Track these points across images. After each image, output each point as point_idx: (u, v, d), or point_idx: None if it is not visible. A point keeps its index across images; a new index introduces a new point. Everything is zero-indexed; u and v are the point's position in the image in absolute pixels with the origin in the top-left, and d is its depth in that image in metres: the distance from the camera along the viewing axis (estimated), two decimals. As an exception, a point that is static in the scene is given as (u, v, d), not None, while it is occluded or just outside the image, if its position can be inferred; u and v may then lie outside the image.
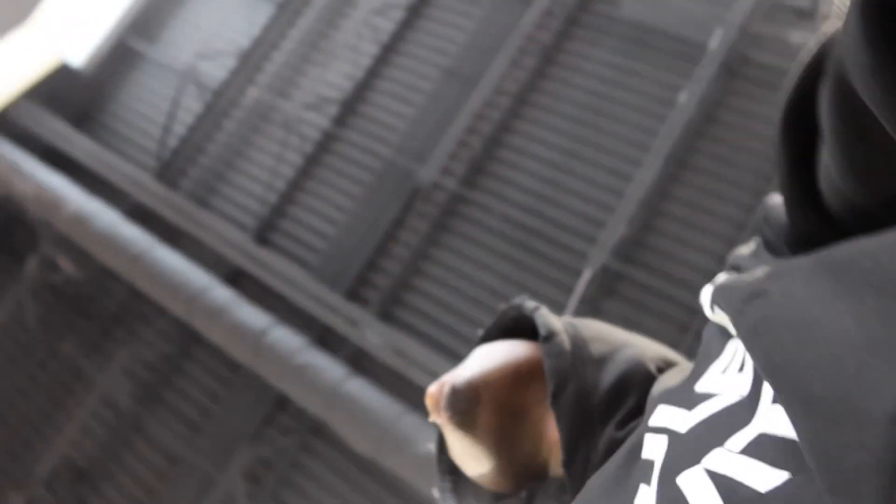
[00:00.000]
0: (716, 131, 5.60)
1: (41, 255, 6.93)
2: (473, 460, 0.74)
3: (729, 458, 0.38)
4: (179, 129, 7.20)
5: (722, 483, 0.36)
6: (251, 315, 5.69)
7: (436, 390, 0.76)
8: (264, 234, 6.42)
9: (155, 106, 7.48)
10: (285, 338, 5.57)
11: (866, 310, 0.27)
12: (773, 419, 0.35)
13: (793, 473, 0.32)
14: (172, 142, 7.15)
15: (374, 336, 5.62)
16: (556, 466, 0.72)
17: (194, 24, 7.82)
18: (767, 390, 0.38)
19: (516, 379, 0.75)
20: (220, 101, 7.22)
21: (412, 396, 5.37)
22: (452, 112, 6.29)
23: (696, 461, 0.40)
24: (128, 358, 6.41)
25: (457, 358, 4.75)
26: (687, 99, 5.59)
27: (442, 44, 6.69)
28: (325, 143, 6.65)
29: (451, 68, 6.52)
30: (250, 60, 7.31)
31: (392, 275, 5.91)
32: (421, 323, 5.71)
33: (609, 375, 0.70)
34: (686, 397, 0.50)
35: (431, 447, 0.84)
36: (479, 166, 6.05)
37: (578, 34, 6.24)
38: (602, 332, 0.77)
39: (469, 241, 5.85)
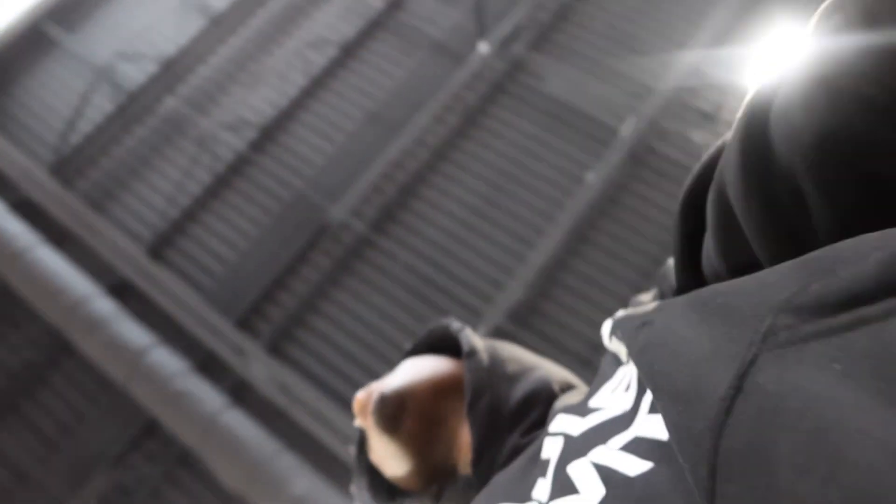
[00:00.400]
0: (616, 212, 5.92)
1: None
2: (394, 461, 0.82)
3: (609, 453, 0.46)
4: (85, 126, 6.88)
5: (602, 470, 0.45)
6: (132, 332, 5.44)
7: (364, 396, 0.84)
8: (159, 249, 6.18)
9: (63, 98, 7.12)
10: (166, 360, 5.35)
11: (715, 332, 0.37)
12: (647, 426, 0.44)
13: (655, 463, 0.40)
14: (75, 138, 6.82)
15: (259, 369, 5.49)
16: (464, 467, 0.79)
17: (119, 21, 7.56)
18: (645, 404, 0.46)
19: (439, 391, 0.84)
20: (133, 105, 6.98)
21: (292, 435, 5.26)
22: (371, 156, 6.35)
23: (583, 455, 0.49)
24: (-13, 361, 5.95)
25: (342, 401, 4.70)
26: (594, 178, 5.90)
27: (370, 87, 6.78)
28: (238, 166, 6.54)
29: (375, 112, 6.61)
30: (173, 69, 7.13)
31: (287, 309, 5.82)
32: (310, 362, 5.63)
33: (519, 391, 0.79)
34: (581, 409, 0.58)
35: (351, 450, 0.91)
36: (390, 213, 6.11)
37: (502, 101, 6.49)
38: (516, 355, 0.88)
39: (369, 285, 5.86)
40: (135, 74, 7.09)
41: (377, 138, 6.44)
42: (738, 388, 0.32)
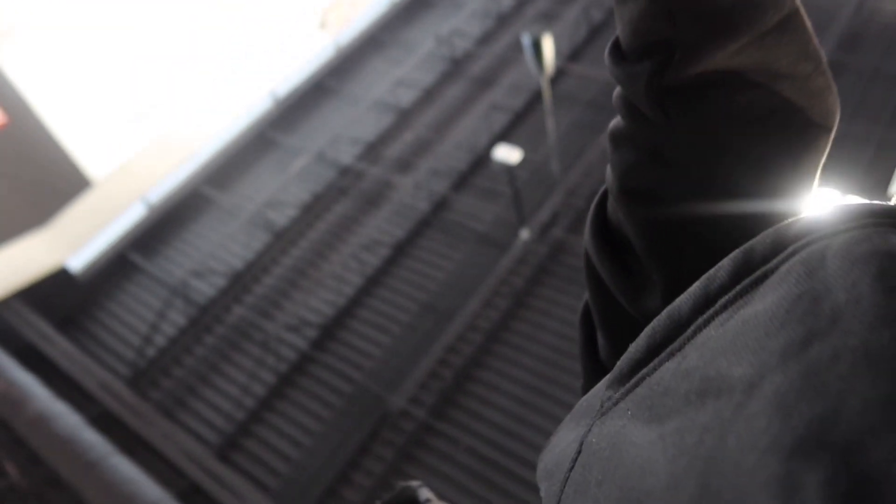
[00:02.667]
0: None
1: (-10, 457, 6.66)
2: None
3: None
4: (160, 340, 7.37)
5: None
6: (198, 537, 5.40)
7: None
8: (226, 452, 6.30)
9: (140, 316, 7.71)
10: (231, 566, 5.24)
11: (578, 424, 0.48)
12: None
13: None
14: (150, 352, 7.27)
15: (325, 570, 5.31)
16: None
17: (193, 243, 8.37)
18: None
19: None
20: (204, 317, 7.49)
21: None
22: (426, 344, 6.57)
23: None
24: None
25: None
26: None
27: (422, 280, 7.18)
28: (301, 365, 6.81)
29: (428, 303, 6.93)
30: (240, 281, 7.72)
31: (352, 504, 5.74)
32: (376, 559, 5.42)
33: None
34: None
35: None
36: (449, 397, 6.18)
37: (548, 281, 6.77)
38: None
39: (433, 473, 5.78)
40: (206, 289, 7.70)
41: (431, 327, 6.70)
42: (579, 451, 0.46)
